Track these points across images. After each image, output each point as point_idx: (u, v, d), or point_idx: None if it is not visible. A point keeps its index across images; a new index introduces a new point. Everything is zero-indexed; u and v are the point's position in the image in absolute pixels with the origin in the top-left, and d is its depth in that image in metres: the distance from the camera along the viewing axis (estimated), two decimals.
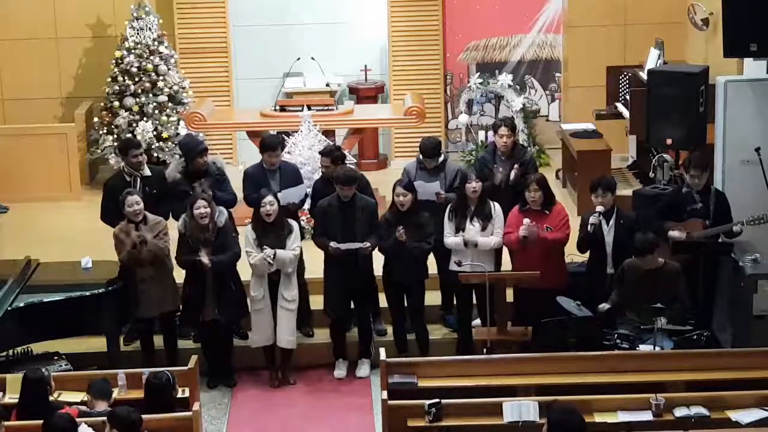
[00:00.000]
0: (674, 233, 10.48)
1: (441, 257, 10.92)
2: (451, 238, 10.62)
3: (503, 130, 11.21)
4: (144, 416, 8.53)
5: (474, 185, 10.60)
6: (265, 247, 10.38)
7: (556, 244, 10.48)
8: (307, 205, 11.50)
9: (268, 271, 10.44)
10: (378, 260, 10.82)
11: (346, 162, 11.34)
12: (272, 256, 10.33)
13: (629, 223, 10.45)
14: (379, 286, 10.89)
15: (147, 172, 11.04)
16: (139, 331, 10.83)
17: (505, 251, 10.97)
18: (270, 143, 11.28)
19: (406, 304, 10.86)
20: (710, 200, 10.58)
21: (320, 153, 11.52)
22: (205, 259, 10.31)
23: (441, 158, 11.17)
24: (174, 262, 10.66)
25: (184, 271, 10.65)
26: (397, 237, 10.43)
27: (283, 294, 10.53)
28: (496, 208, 10.69)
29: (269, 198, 10.44)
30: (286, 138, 12.61)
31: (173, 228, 10.69)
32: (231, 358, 10.86)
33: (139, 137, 13.83)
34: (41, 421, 8.11)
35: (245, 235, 10.55)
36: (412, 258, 10.56)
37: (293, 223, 10.65)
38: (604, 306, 10.18)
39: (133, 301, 10.51)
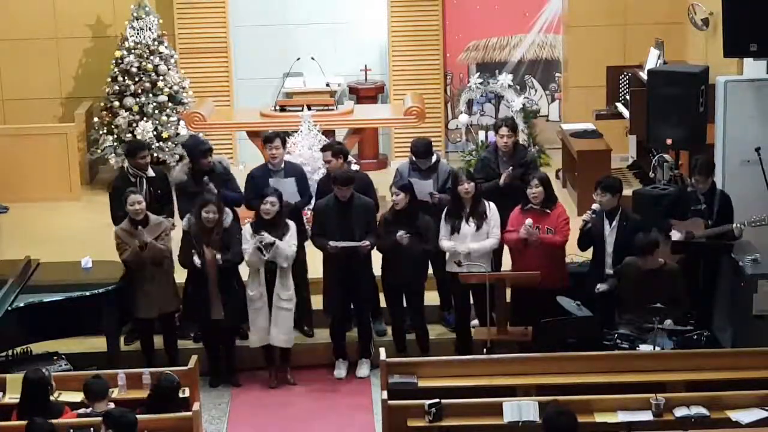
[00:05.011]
0: (675, 235, 10.48)
1: (437, 257, 10.90)
2: (445, 242, 10.62)
3: (504, 130, 11.20)
4: (145, 416, 8.56)
5: (466, 186, 10.58)
6: (263, 233, 10.38)
7: (553, 246, 10.48)
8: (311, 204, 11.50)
9: (261, 263, 10.43)
10: (377, 261, 10.82)
11: (349, 158, 11.33)
12: (264, 243, 10.32)
13: (633, 225, 10.43)
14: (379, 286, 10.90)
15: (151, 173, 11.08)
16: (140, 331, 10.84)
17: (506, 251, 10.97)
18: (267, 135, 11.34)
19: (405, 304, 10.86)
20: (714, 201, 10.59)
21: (321, 149, 11.54)
22: (218, 255, 10.35)
23: (434, 159, 11.17)
24: (175, 261, 10.67)
25: (184, 271, 10.65)
26: (397, 239, 10.43)
27: (279, 294, 10.54)
28: (491, 207, 10.68)
29: (272, 198, 10.47)
30: (286, 138, 12.60)
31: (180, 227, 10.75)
32: (234, 357, 10.87)
33: (139, 137, 13.84)
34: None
35: (243, 232, 10.57)
36: (410, 259, 10.56)
37: (291, 223, 10.64)
38: (602, 286, 10.18)
39: (134, 301, 10.52)
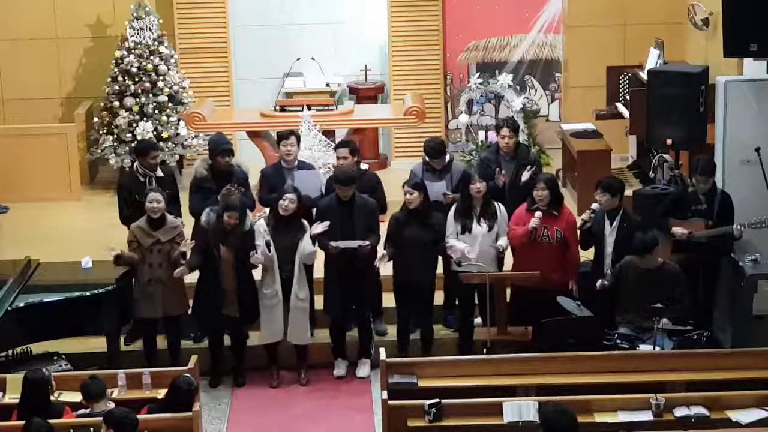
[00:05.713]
0: (677, 229, 10.48)
1: (446, 258, 10.90)
2: (452, 241, 10.59)
3: (505, 131, 11.20)
4: (145, 416, 8.56)
5: (478, 185, 10.58)
6: (267, 237, 10.41)
7: (577, 259, 10.58)
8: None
9: (270, 260, 10.44)
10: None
11: (360, 156, 11.38)
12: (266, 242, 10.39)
13: (633, 225, 10.41)
14: (386, 285, 10.90)
15: (159, 173, 11.09)
16: (143, 331, 10.81)
17: (507, 252, 10.98)
18: (281, 133, 11.41)
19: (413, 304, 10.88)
20: (715, 202, 10.59)
21: (336, 146, 11.52)
22: (255, 255, 10.42)
23: (447, 158, 11.18)
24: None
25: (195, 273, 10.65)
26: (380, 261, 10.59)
27: (296, 293, 10.56)
28: (501, 208, 10.69)
29: (291, 195, 10.48)
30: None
31: (187, 225, 10.77)
32: (244, 356, 10.87)
33: (139, 137, 13.84)
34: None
35: (256, 227, 10.56)
36: (420, 258, 10.53)
37: (307, 225, 10.65)
38: (603, 282, 10.18)
39: (137, 300, 10.52)
